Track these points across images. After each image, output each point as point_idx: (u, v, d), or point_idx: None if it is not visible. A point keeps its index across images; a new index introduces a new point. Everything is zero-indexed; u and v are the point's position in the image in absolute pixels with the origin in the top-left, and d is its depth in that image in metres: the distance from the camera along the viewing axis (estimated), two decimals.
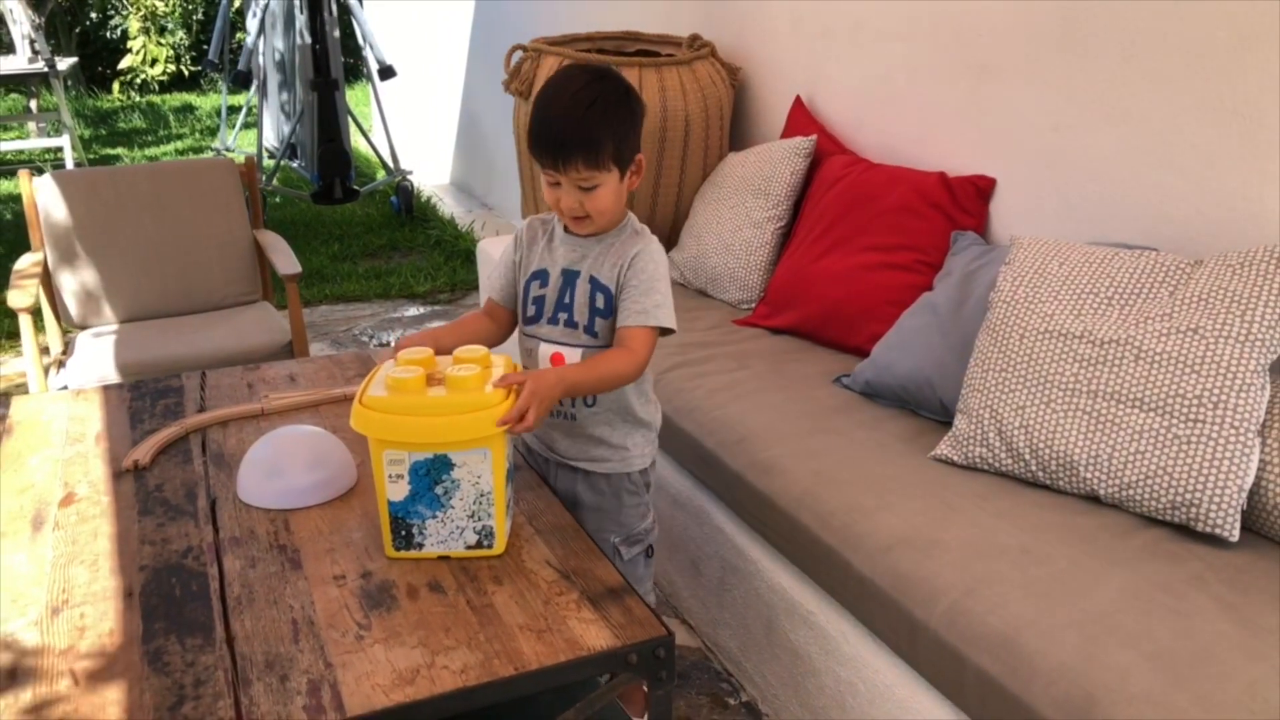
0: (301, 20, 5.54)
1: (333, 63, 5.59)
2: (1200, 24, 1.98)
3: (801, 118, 3.02)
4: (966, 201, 2.49)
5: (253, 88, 6.47)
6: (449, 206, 6.13)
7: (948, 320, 2.20)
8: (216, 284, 3.22)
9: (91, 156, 7.82)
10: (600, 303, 1.73)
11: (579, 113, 1.61)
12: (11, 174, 7.24)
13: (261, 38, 6.22)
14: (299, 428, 1.94)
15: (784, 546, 1.95)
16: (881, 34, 2.78)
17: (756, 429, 2.13)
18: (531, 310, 1.80)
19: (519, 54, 3.30)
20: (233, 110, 8.40)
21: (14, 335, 4.25)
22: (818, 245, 2.65)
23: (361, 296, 4.70)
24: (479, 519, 1.63)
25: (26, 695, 1.35)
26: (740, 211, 2.91)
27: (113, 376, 2.73)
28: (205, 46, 11.35)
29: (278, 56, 6.21)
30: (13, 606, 1.54)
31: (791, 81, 3.13)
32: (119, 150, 8.15)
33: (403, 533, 1.64)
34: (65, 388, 2.81)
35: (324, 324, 4.37)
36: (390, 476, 1.61)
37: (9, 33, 8.20)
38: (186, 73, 11.24)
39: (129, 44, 10.49)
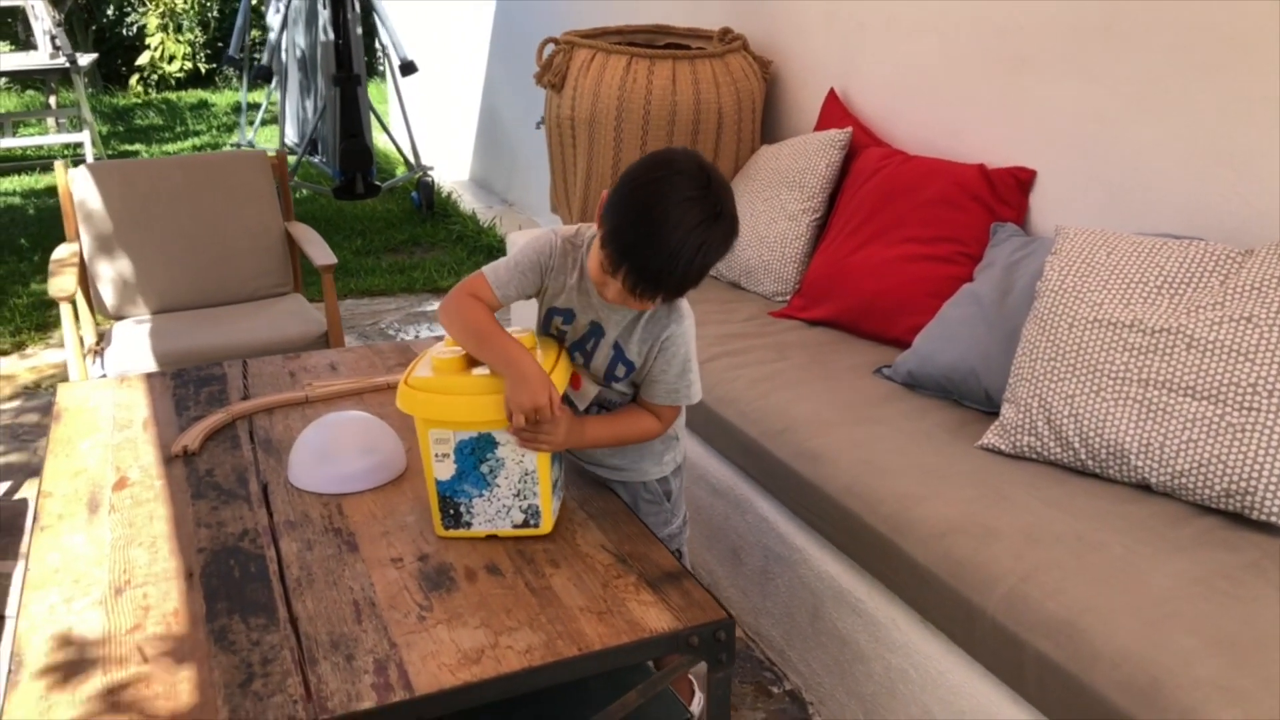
0: (325, 16, 5.55)
1: (355, 58, 5.60)
2: (1246, 14, 1.98)
3: (835, 111, 3.03)
4: (1006, 193, 2.49)
5: (273, 83, 6.49)
6: (469, 203, 6.14)
7: (992, 311, 2.20)
8: (248, 275, 3.23)
9: (110, 152, 7.84)
10: (620, 371, 1.68)
11: (688, 258, 1.47)
12: (31, 169, 7.26)
13: (284, 33, 6.23)
14: (349, 414, 1.95)
15: (832, 534, 1.95)
16: (917, 27, 2.78)
17: (800, 419, 2.13)
18: (553, 334, 1.73)
19: (550, 47, 3.31)
20: (252, 107, 8.42)
21: (41, 327, 4.26)
22: (855, 237, 2.66)
23: (386, 291, 4.71)
24: (524, 498, 1.64)
25: (98, 672, 1.36)
26: (775, 204, 2.91)
27: (151, 366, 2.74)
28: (220, 44, 11.39)
29: (299, 52, 6.22)
30: (75, 586, 1.55)
31: (824, 75, 3.13)
32: (137, 146, 8.17)
33: (451, 511, 1.65)
34: (104, 376, 2.82)
35: (350, 318, 4.38)
36: (437, 456, 1.62)
37: (25, 29, 8.24)
38: (203, 70, 11.27)
39: (147, 40, 10.52)
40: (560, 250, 1.69)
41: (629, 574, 1.58)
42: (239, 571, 1.59)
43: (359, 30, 5.65)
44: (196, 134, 8.82)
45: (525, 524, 1.65)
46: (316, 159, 6.22)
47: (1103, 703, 1.40)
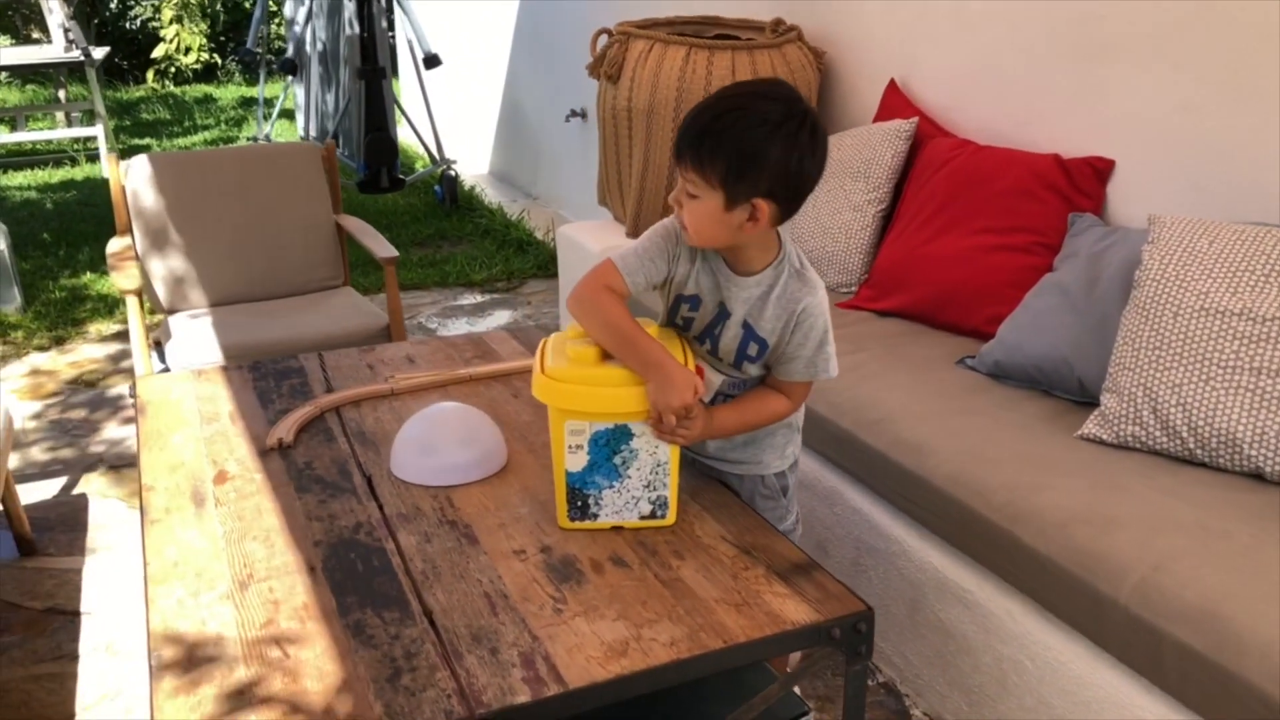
0: (350, 9, 5.51)
1: (380, 52, 5.57)
2: None
3: (896, 101, 3.01)
4: (1083, 183, 2.48)
5: (297, 76, 6.44)
6: (492, 197, 6.11)
7: (1080, 300, 2.19)
8: (300, 269, 3.20)
9: (121, 147, 7.78)
10: (753, 351, 1.63)
11: (718, 113, 1.47)
12: (44, 164, 7.20)
13: (308, 25, 6.19)
14: (449, 405, 1.93)
15: (936, 525, 1.94)
16: (985, 16, 2.77)
17: (893, 409, 2.11)
18: (679, 324, 1.70)
19: (604, 38, 3.28)
20: (266, 101, 8.36)
21: (77, 322, 4.22)
22: (927, 228, 2.64)
23: (420, 285, 4.68)
24: (654, 489, 1.62)
25: (240, 668, 1.34)
26: (839, 194, 2.90)
27: (216, 360, 2.71)
28: (224, 38, 11.33)
29: (320, 46, 6.18)
30: (200, 580, 1.52)
31: (882, 65, 3.12)
32: (147, 140, 8.12)
33: (578, 503, 1.63)
34: (167, 369, 2.79)
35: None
36: (570, 447, 1.60)
37: (25, 23, 8.17)
38: (218, 63, 11.21)
39: (162, 33, 10.45)
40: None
41: (756, 565, 1.56)
42: (362, 565, 1.56)
43: (384, 24, 5.61)
44: (205, 128, 8.77)
45: (652, 515, 1.64)
46: (340, 153, 6.18)
47: (1254, 693, 1.38)
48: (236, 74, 11.31)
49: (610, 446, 1.60)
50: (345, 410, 2.09)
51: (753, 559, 1.57)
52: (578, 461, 1.61)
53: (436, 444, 1.83)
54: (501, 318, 4.32)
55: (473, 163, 6.79)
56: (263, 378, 2.25)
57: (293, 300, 3.12)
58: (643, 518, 1.64)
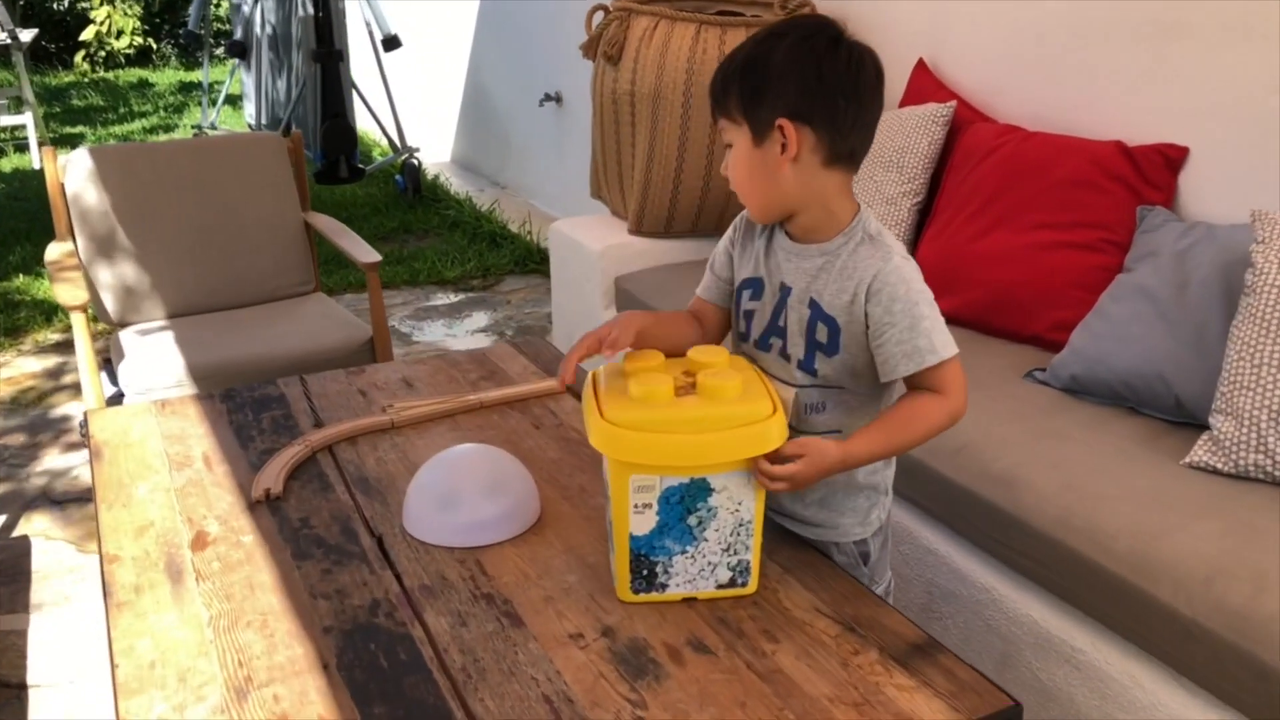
0: None
1: (337, 33, 5.20)
2: None
3: (926, 83, 2.75)
4: (1152, 173, 2.24)
5: (246, 60, 6.05)
6: (458, 186, 5.78)
7: (1171, 307, 1.95)
8: (267, 274, 2.87)
9: (52, 135, 7.31)
10: (822, 335, 1.37)
11: (739, 55, 1.33)
12: None
13: (256, 6, 5.79)
14: (467, 448, 1.63)
15: (1036, 572, 1.69)
16: None
17: (971, 434, 1.86)
18: (742, 325, 1.47)
19: (600, 15, 2.99)
20: (210, 86, 7.92)
21: (10, 332, 3.84)
22: (975, 223, 2.39)
23: (389, 284, 4.35)
24: (735, 552, 1.35)
25: None
26: (869, 186, 2.63)
27: (177, 382, 2.39)
28: (159, 20, 10.79)
29: (269, 28, 5.79)
30: (182, 686, 1.22)
31: (908, 43, 2.86)
32: (80, 129, 7.64)
33: (644, 572, 1.35)
34: (120, 394, 2.46)
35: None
36: (635, 506, 1.32)
37: None
38: (153, 46, 10.68)
39: (92, 14, 9.89)
40: (745, 218, 1.47)
41: (867, 648, 1.29)
42: (386, 659, 1.27)
43: (341, 3, 5.24)
44: (142, 115, 8.30)
45: (731, 583, 1.36)
46: None
47: None
48: (173, 58, 10.79)
49: (685, 505, 1.32)
50: (340, 449, 1.78)
51: (861, 639, 1.31)
52: (645, 523, 1.33)
53: (458, 496, 1.53)
54: (480, 319, 4.01)
55: (435, 150, 6.44)
56: (239, 409, 1.94)
57: (260, 310, 2.79)
58: (720, 586, 1.37)
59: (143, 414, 1.92)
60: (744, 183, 1.35)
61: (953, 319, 2.34)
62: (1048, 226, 2.28)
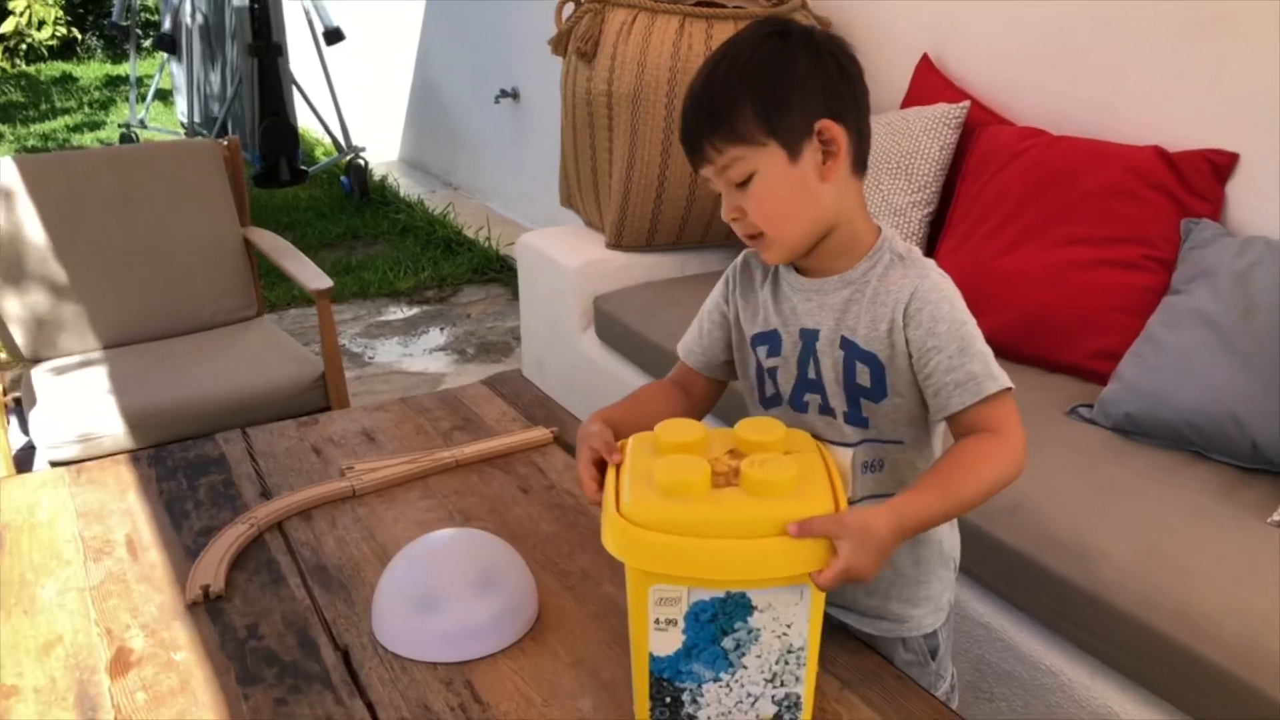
0: None
1: (275, 25, 4.85)
2: None
3: (931, 80, 2.52)
4: (1197, 182, 2.02)
5: (177, 54, 5.66)
6: (407, 187, 5.45)
7: (1236, 335, 1.73)
8: (203, 298, 2.56)
9: None
10: (865, 378, 1.15)
11: (708, 73, 1.11)
12: None
13: None
14: (448, 535, 1.35)
15: (1118, 659, 1.46)
16: None
17: (1027, 488, 1.62)
18: (768, 387, 1.23)
19: (571, 7, 2.71)
20: (139, 81, 7.51)
21: None
22: (999, 237, 2.15)
23: (337, 297, 4.03)
24: (782, 684, 1.08)
25: None
26: (874, 195, 2.39)
27: (101, 429, 2.08)
28: (82, 10, 10.27)
29: (200, 19, 5.41)
30: None
31: (911, 36, 2.62)
32: None
33: (667, 700, 1.09)
34: (31, 445, 2.14)
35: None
36: (657, 622, 1.05)
37: None
38: (77, 38, 10.16)
39: (11, 5, 9.35)
40: (741, 265, 1.27)
41: None
42: None
43: None
44: (66, 112, 7.86)
45: (777, 718, 1.10)
46: None
47: None
48: (99, 50, 10.28)
49: (719, 624, 1.05)
50: (292, 525, 1.50)
51: None
52: (668, 643, 1.06)
53: (440, 596, 1.25)
54: (438, 336, 3.71)
55: (382, 149, 6.10)
56: (170, 474, 1.64)
57: (196, 340, 2.48)
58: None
59: (53, 484, 1.62)
60: (784, 214, 1.11)
61: None
62: (1082, 241, 2.05)
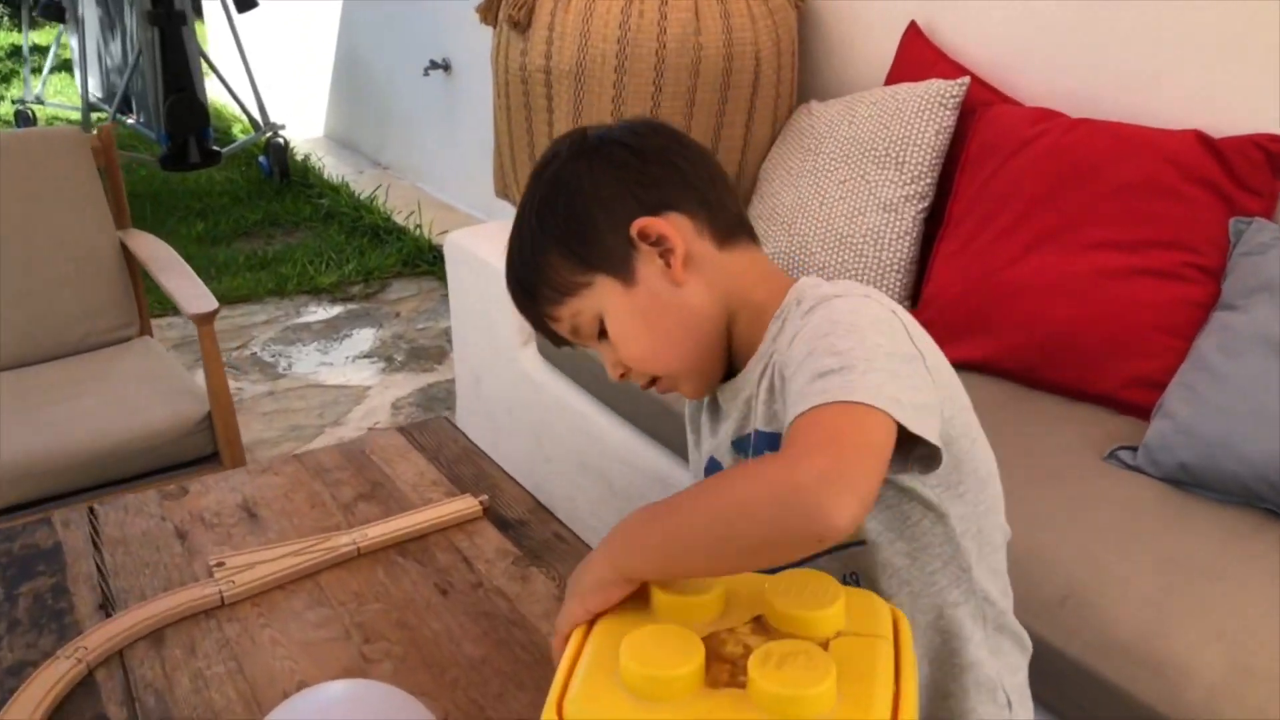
0: None
1: None
2: None
3: (921, 52, 2.18)
4: (1248, 174, 1.71)
5: (65, 22, 5.16)
6: (333, 168, 5.02)
7: None
8: (72, 317, 2.16)
9: None
10: None
11: (513, 237, 0.98)
12: None
13: None
14: (339, 690, 1.00)
15: None
16: None
17: (1075, 569, 1.30)
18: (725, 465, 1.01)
19: None
20: (34, 51, 6.92)
21: None
22: (1010, 240, 1.83)
23: (250, 296, 3.62)
24: None
25: None
26: (859, 188, 2.05)
27: None
28: None
29: None
30: None
31: (887, 5, 2.27)
32: None
33: None
34: None
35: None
36: None
37: None
38: None
39: None
40: (691, 405, 1.10)
41: None
42: None
43: None
44: None
45: None
46: (132, 120, 4.96)
47: None
48: (4, 18, 9.60)
49: None
50: (137, 656, 1.14)
51: None
52: None
53: None
54: (364, 340, 3.32)
55: (304, 125, 5.64)
56: None
57: (59, 369, 2.09)
58: None
59: None
60: (657, 345, 0.93)
61: (987, 369, 1.80)
62: (1112, 246, 1.73)
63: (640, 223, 0.90)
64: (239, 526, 1.38)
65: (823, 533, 0.67)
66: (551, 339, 1.00)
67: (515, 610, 1.21)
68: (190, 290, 1.95)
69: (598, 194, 0.92)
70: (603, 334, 0.94)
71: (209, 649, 1.14)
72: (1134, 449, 1.55)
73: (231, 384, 2.96)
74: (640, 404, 2.02)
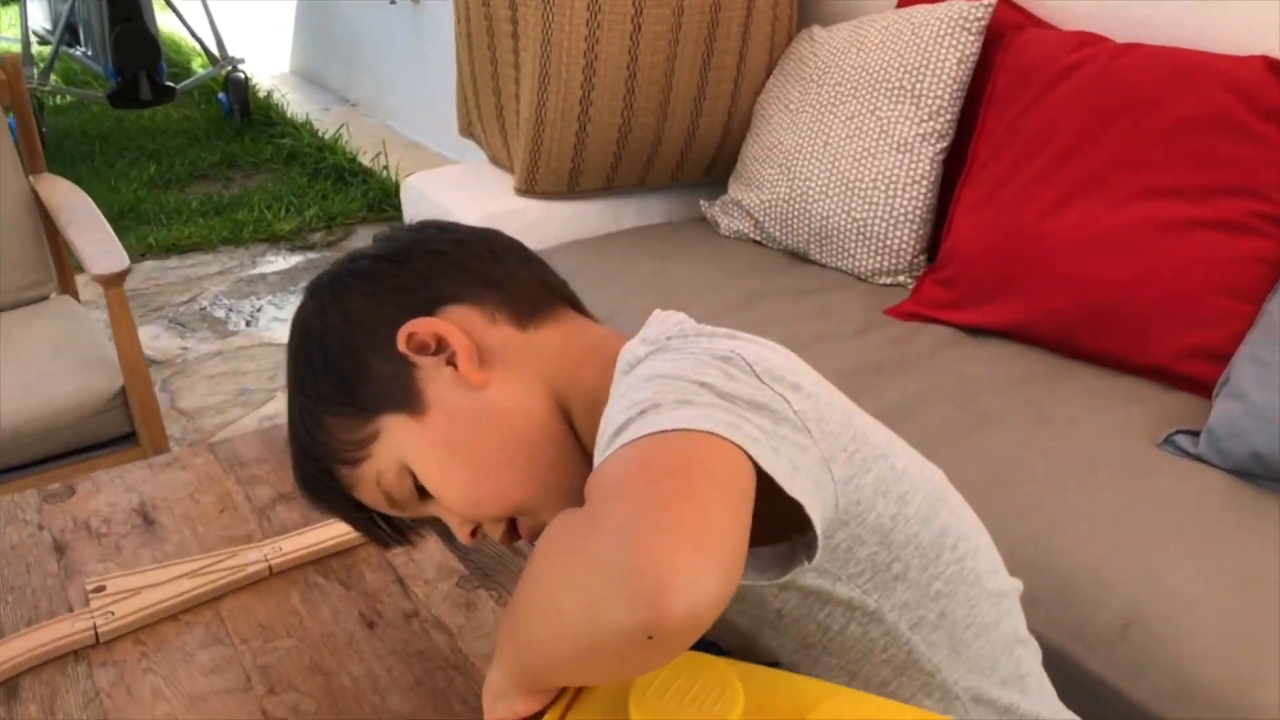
0: None
1: None
2: None
3: None
4: None
5: None
6: (298, 105, 4.72)
7: None
8: None
9: None
10: None
11: (289, 430, 0.78)
12: None
13: None
14: None
15: None
16: None
17: (1134, 593, 1.08)
18: None
19: None
20: None
21: None
22: (1046, 186, 1.58)
23: (203, 244, 3.35)
24: None
25: None
26: (869, 124, 1.80)
27: None
28: None
29: None
30: None
31: None
32: None
33: None
34: None
35: (153, 292, 3.03)
36: None
37: None
38: None
39: None
40: None
41: None
42: None
43: None
44: None
45: None
46: (79, 52, 4.63)
47: None
48: None
49: None
50: None
51: None
52: None
53: None
54: None
55: (268, 59, 5.31)
56: None
57: None
58: None
59: None
60: (475, 475, 0.71)
61: (1017, 337, 1.56)
62: (1165, 193, 1.49)
63: (406, 329, 0.71)
64: (131, 537, 1.14)
65: (652, 624, 0.44)
66: (377, 536, 0.80)
67: (456, 649, 0.98)
68: (99, 245, 1.68)
69: (349, 322, 0.73)
70: (423, 492, 0.72)
71: (72, 705, 0.91)
72: (1194, 434, 1.32)
73: (178, 343, 2.72)
74: None
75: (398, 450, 0.71)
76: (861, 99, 1.82)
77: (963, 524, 0.65)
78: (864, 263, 1.81)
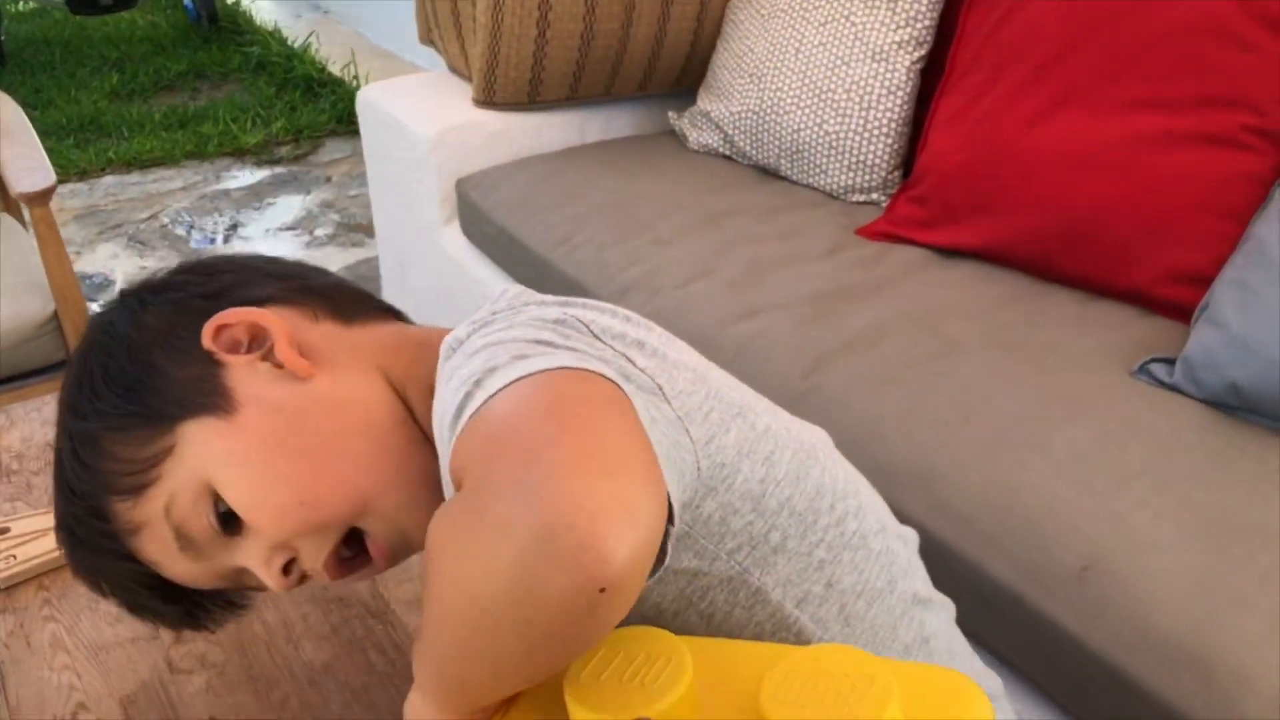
0: None
1: None
2: None
3: None
4: None
5: None
6: (268, 11, 4.55)
7: None
8: None
9: None
10: None
11: (55, 474, 0.66)
12: None
13: None
14: None
15: None
16: None
17: (1094, 531, 1.02)
18: None
19: None
20: None
21: None
22: (1026, 97, 1.49)
23: (165, 159, 3.24)
24: None
25: None
26: (842, 32, 1.70)
27: None
28: None
29: None
30: None
31: None
32: None
33: None
34: None
35: (114, 208, 2.94)
36: None
37: None
38: None
39: None
40: None
41: None
42: None
43: None
44: None
45: None
46: None
47: None
48: None
49: None
50: None
51: None
52: None
53: None
54: (289, 209, 2.97)
55: None
56: None
57: None
58: None
59: None
60: (305, 472, 0.60)
61: (991, 258, 1.48)
62: (1154, 105, 1.40)
63: (216, 320, 0.62)
64: (44, 474, 1.09)
65: (597, 576, 0.38)
66: (161, 613, 0.68)
67: (377, 595, 0.93)
68: (23, 161, 1.59)
69: (143, 330, 0.63)
70: (227, 523, 0.60)
71: None
72: (1170, 361, 1.26)
73: (136, 261, 2.63)
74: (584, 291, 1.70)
75: (199, 462, 0.59)
76: (836, 3, 1.71)
77: (838, 482, 0.59)
78: (836, 179, 1.72)
